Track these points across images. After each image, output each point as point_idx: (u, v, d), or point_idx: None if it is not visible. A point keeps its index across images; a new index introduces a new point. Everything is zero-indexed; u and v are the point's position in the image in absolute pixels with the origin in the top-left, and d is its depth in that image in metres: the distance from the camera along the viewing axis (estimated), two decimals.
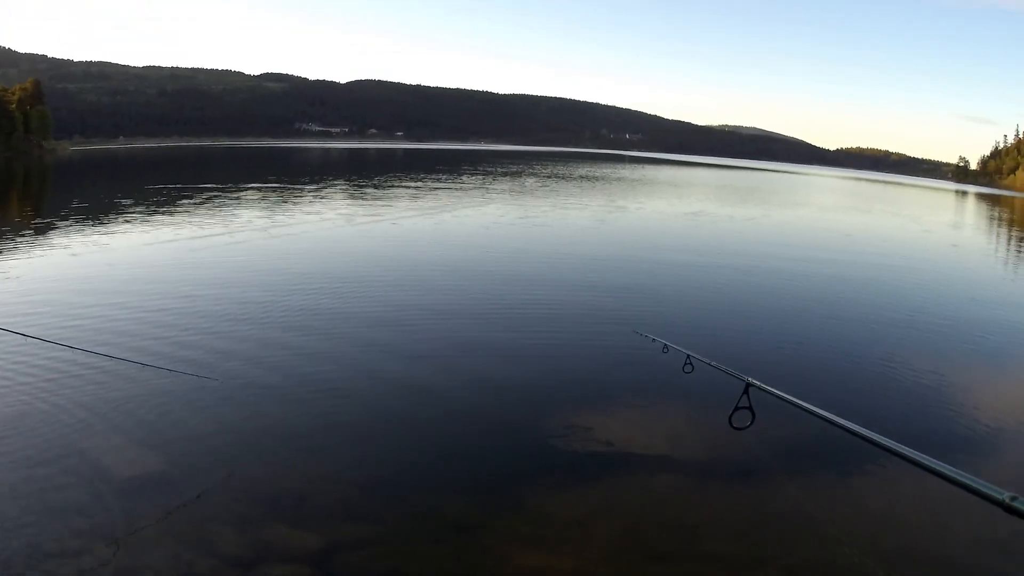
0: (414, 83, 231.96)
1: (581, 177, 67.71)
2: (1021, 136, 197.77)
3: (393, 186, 43.69)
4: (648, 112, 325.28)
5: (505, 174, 63.01)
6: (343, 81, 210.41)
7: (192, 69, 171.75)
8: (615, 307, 14.71)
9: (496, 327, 12.27)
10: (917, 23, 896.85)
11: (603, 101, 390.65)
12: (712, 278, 18.17)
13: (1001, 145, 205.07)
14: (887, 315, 15.55)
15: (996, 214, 71.84)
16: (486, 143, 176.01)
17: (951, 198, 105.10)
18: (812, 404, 2.13)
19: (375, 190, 40.60)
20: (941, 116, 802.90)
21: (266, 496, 6.11)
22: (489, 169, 68.93)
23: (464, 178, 54.70)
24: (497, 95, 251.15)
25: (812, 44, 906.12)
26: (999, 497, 1.23)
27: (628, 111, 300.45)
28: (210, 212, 26.87)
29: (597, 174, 76.08)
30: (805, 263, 22.83)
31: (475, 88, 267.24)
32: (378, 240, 22.19)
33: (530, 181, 56.25)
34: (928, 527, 5.91)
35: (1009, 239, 44.68)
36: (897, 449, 1.66)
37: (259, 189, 37.23)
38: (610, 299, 15.28)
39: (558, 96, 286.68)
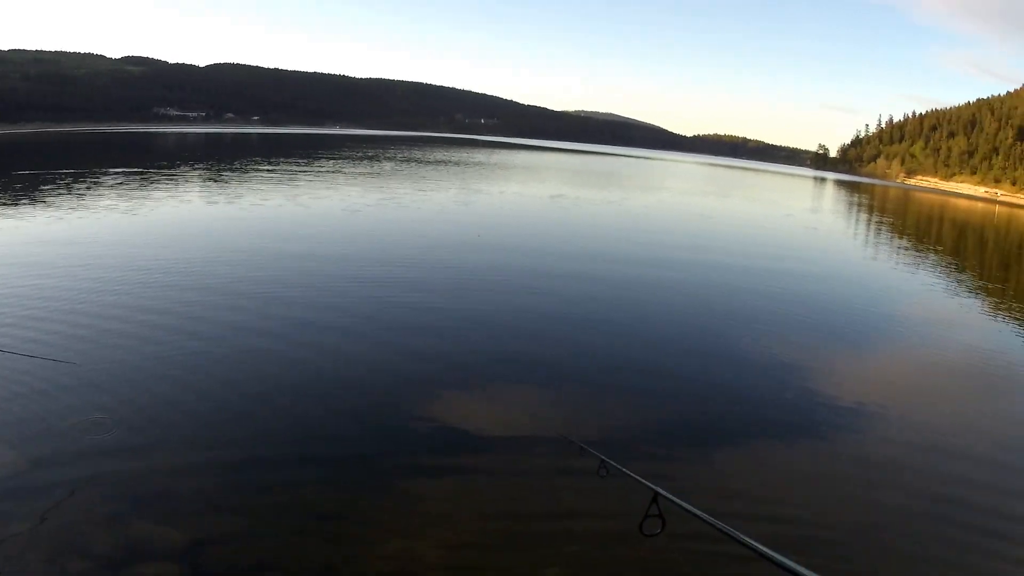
0: (271, 67, 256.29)
1: (437, 161, 75.00)
2: (883, 125, 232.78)
3: (248, 171, 47.09)
4: (504, 97, 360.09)
5: (362, 158, 69.05)
6: (202, 65, 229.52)
7: (56, 52, 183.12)
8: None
9: (360, 314, 14.09)
10: (776, 11, 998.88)
11: (458, 85, 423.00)
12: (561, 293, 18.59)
13: (863, 133, 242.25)
14: (751, 303, 19.10)
15: (857, 199, 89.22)
16: (341, 127, 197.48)
17: (810, 184, 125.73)
18: (720, 519, 2.62)
19: (231, 175, 44.07)
20: (801, 104, 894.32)
21: (131, 492, 6.97)
22: (346, 154, 75.18)
23: (321, 163, 59.76)
24: (353, 79, 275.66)
25: (669, 30, 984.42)
26: None
27: (483, 96, 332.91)
28: (69, 198, 28.16)
29: (453, 158, 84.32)
30: (665, 254, 26.53)
31: (331, 72, 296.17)
32: (235, 225, 24.65)
33: (388, 165, 62.40)
34: None
35: (871, 223, 55.23)
36: (803, 573, 1.98)
37: (120, 174, 39.39)
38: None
39: (413, 80, 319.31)
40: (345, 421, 9.13)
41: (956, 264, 35.67)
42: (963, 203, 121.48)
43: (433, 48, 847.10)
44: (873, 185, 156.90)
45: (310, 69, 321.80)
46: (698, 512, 2.88)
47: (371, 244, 22.69)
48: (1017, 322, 21.45)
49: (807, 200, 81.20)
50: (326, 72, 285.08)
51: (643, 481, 3.55)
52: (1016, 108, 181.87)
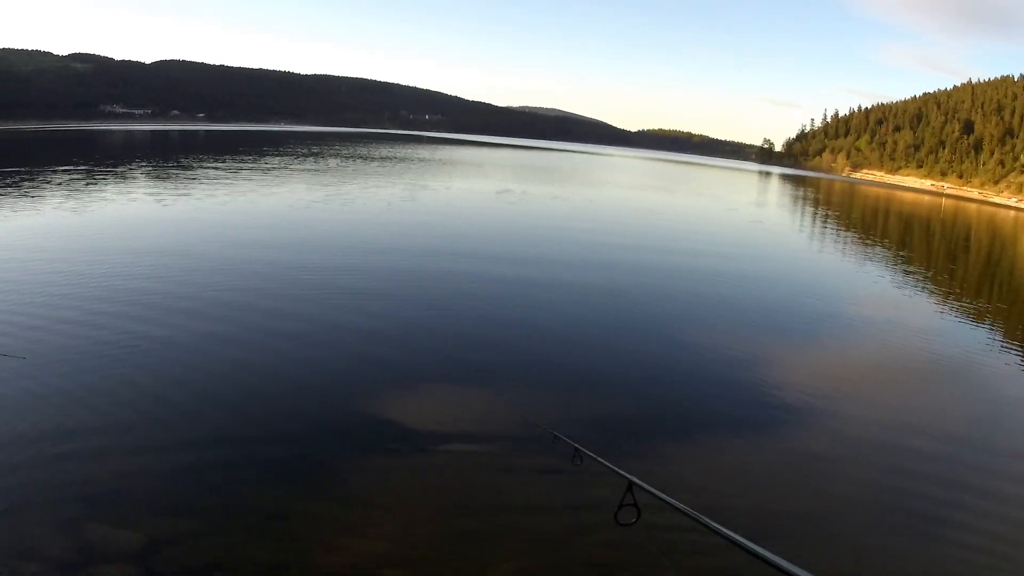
0: (217, 63, 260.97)
1: (382, 158, 76.12)
2: (828, 119, 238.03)
3: (195, 169, 46.69)
4: (449, 93, 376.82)
5: (307, 155, 69.62)
6: (148, 61, 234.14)
7: (3, 50, 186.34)
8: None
9: (313, 312, 14.23)
10: (719, 6, 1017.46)
11: (403, 82, 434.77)
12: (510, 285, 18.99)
13: (808, 128, 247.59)
14: (702, 298, 19.44)
15: (802, 193, 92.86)
16: (287, 124, 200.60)
17: (755, 179, 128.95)
18: (692, 504, 2.70)
19: (178, 172, 43.73)
20: (746, 99, 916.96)
21: (83, 495, 7.04)
22: (291, 150, 75.76)
23: (267, 160, 60.11)
24: (298, 75, 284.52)
25: (613, 25, 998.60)
26: None
27: (428, 92, 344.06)
28: (15, 197, 27.80)
29: (398, 155, 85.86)
30: (616, 250, 26.85)
31: (276, 68, 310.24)
32: (183, 223, 24.50)
33: (333, 162, 63.14)
34: None
35: (817, 217, 56.96)
36: (776, 561, 2.05)
37: (67, 173, 39.04)
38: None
39: (359, 76, 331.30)
40: (299, 420, 9.22)
41: (903, 257, 36.48)
42: (909, 196, 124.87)
43: (378, 44, 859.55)
44: (818, 179, 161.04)
45: (255, 65, 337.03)
46: (672, 501, 2.92)
47: (320, 241, 22.73)
48: (963, 314, 21.99)
49: (752, 194, 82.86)
50: (271, 68, 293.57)
51: (618, 470, 3.59)
52: (963, 102, 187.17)
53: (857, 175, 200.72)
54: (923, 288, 26.22)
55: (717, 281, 21.94)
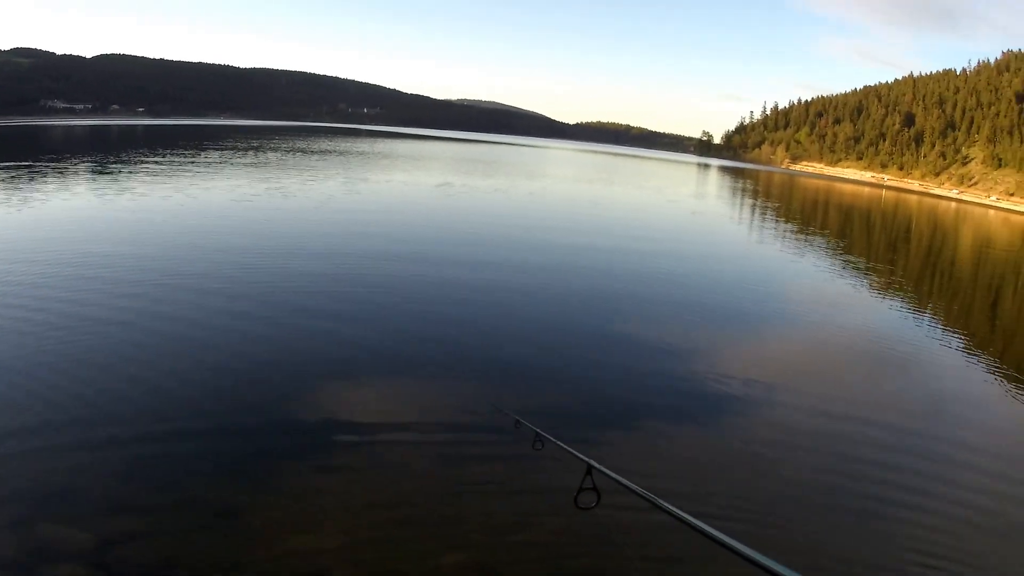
0: (157, 57, 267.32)
1: (322, 151, 77.11)
2: (768, 112, 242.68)
3: (135, 164, 46.74)
4: (387, 86, 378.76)
5: (247, 149, 70.67)
6: (89, 56, 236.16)
7: None
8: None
9: (258, 305, 14.36)
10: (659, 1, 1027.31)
11: (342, 75, 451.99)
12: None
13: (748, 121, 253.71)
14: (645, 288, 19.93)
15: (742, 185, 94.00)
16: (226, 118, 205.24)
17: (694, 171, 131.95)
18: (660, 496, 2.77)
19: (119, 167, 43.79)
20: (685, 91, 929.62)
21: (34, 493, 7.09)
22: (231, 144, 76.95)
23: (207, 154, 60.44)
24: (237, 69, 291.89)
25: (551, 16, 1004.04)
26: None
27: (367, 85, 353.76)
28: None
29: (337, 148, 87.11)
30: (558, 239, 27.47)
31: (216, 62, 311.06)
32: (123, 216, 24.38)
33: (273, 156, 63.79)
34: None
35: (757, 208, 58.85)
36: (731, 544, 2.12)
37: (8, 168, 38.63)
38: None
39: (297, 70, 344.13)
40: (251, 415, 9.30)
41: (844, 247, 37.16)
42: (849, 188, 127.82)
43: (317, 37, 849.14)
44: (758, 171, 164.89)
45: (196, 59, 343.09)
46: (630, 484, 3.02)
47: (265, 236, 22.67)
48: (904, 303, 22.49)
49: (692, 186, 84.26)
50: (211, 62, 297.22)
51: (577, 454, 3.70)
52: (904, 95, 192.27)
53: (797, 167, 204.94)
54: (864, 279, 26.61)
55: (661, 273, 22.47)
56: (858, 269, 28.76)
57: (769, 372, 13.24)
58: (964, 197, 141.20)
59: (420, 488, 7.81)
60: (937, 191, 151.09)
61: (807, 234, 41.20)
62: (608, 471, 3.29)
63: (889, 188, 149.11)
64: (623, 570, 6.80)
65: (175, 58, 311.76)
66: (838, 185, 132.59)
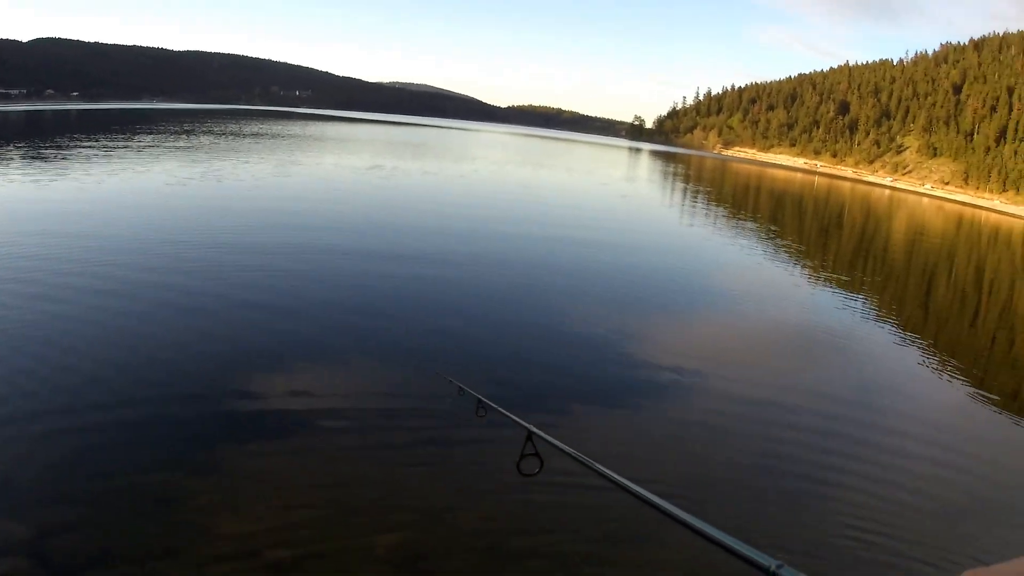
0: (92, 41, 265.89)
1: (254, 134, 77.66)
2: (701, 97, 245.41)
3: (70, 148, 45.69)
4: (319, 69, 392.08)
5: (180, 133, 70.41)
6: (25, 40, 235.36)
7: None
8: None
9: (192, 290, 14.27)
10: None
11: (274, 58, 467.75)
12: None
13: (680, 106, 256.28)
14: (575, 272, 19.95)
15: (673, 169, 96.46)
16: (159, 101, 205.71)
17: (625, 155, 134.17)
18: (592, 455, 2.89)
19: (53, 152, 42.62)
20: (618, 76, 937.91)
21: None
22: (164, 128, 76.46)
23: (140, 138, 59.61)
24: (170, 52, 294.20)
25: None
26: (766, 564, 1.63)
27: (299, 67, 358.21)
28: None
29: (269, 131, 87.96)
30: (489, 221, 27.86)
31: (151, 45, 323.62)
32: (55, 202, 23.78)
33: (206, 139, 64.00)
34: None
35: (690, 192, 58.48)
36: (667, 508, 2.19)
37: None
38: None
39: (229, 52, 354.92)
40: (183, 401, 9.28)
41: (776, 232, 37.58)
42: (782, 173, 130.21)
43: (249, 20, 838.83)
44: (689, 155, 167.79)
45: (130, 43, 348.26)
46: (569, 449, 3.11)
47: (196, 219, 22.38)
48: (837, 289, 22.66)
49: (623, 169, 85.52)
50: (145, 45, 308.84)
51: (518, 420, 3.73)
52: (839, 84, 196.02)
53: (729, 152, 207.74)
54: (796, 265, 26.92)
55: (593, 255, 22.74)
56: (791, 255, 29.02)
57: (700, 351, 13.61)
58: (898, 185, 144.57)
59: (360, 461, 8.05)
60: (871, 178, 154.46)
61: (739, 219, 41.66)
62: (548, 437, 3.28)
63: (822, 175, 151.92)
64: (564, 534, 7.12)
65: (110, 41, 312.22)
66: (770, 171, 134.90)
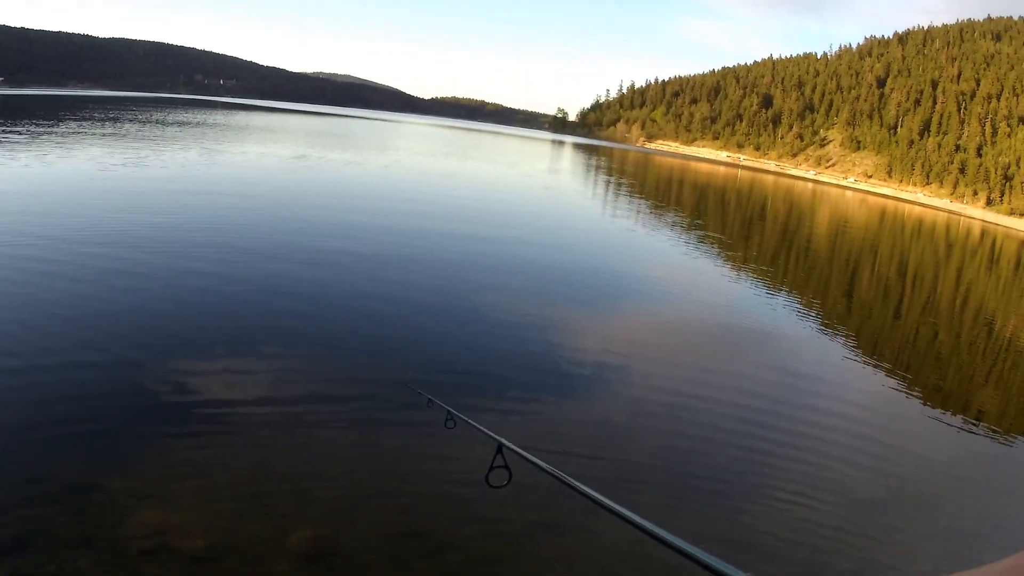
0: (17, 25, 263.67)
1: (178, 123, 76.94)
2: (624, 90, 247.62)
3: None
4: (244, 58, 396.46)
5: (104, 120, 68.84)
6: None
7: None
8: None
9: (127, 276, 14.09)
10: None
11: (199, 46, 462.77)
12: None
13: (603, 99, 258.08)
14: (503, 266, 20.01)
15: (596, 162, 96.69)
16: (84, 88, 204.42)
17: (548, 147, 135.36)
18: (565, 471, 2.90)
19: None
20: (541, 69, 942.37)
21: None
22: (89, 115, 74.81)
23: (66, 124, 58.59)
24: (96, 38, 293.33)
25: None
26: None
27: (223, 56, 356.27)
28: None
29: (193, 120, 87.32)
30: (411, 216, 26.93)
31: (77, 31, 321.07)
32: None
33: (130, 127, 63.13)
34: None
35: (612, 185, 59.00)
36: (639, 521, 2.18)
37: None
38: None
39: (154, 40, 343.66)
40: (112, 392, 9.14)
41: (699, 225, 38.09)
42: (705, 167, 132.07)
43: (173, 3, 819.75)
44: (612, 148, 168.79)
45: (55, 28, 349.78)
46: (540, 463, 3.10)
47: (128, 208, 21.73)
48: (760, 281, 22.98)
49: (546, 162, 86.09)
50: (71, 31, 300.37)
51: (488, 432, 3.76)
52: (763, 77, 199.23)
53: (652, 145, 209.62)
54: (721, 257, 27.21)
55: (516, 248, 22.60)
56: (715, 248, 29.30)
57: (637, 350, 13.72)
58: (822, 178, 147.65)
59: (328, 468, 7.92)
60: (794, 172, 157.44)
61: (662, 211, 42.15)
62: (518, 449, 3.29)
63: (745, 168, 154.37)
64: (532, 545, 7.12)
65: (37, 26, 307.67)
66: (693, 164, 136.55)
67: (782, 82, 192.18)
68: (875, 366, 14.70)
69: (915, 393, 13.31)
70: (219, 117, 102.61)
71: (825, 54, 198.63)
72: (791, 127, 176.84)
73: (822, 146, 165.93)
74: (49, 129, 51.49)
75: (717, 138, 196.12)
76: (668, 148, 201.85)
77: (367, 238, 21.15)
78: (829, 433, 10.60)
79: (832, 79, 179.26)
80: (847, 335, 17.26)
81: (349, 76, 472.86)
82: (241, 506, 6.99)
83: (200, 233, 18.94)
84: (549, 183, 53.34)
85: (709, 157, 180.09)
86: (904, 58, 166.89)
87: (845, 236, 45.17)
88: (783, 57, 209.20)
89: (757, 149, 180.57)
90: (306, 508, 7.12)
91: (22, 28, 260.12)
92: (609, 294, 18.21)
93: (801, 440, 10.23)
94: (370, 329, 12.87)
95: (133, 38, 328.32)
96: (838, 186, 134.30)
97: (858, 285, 26.09)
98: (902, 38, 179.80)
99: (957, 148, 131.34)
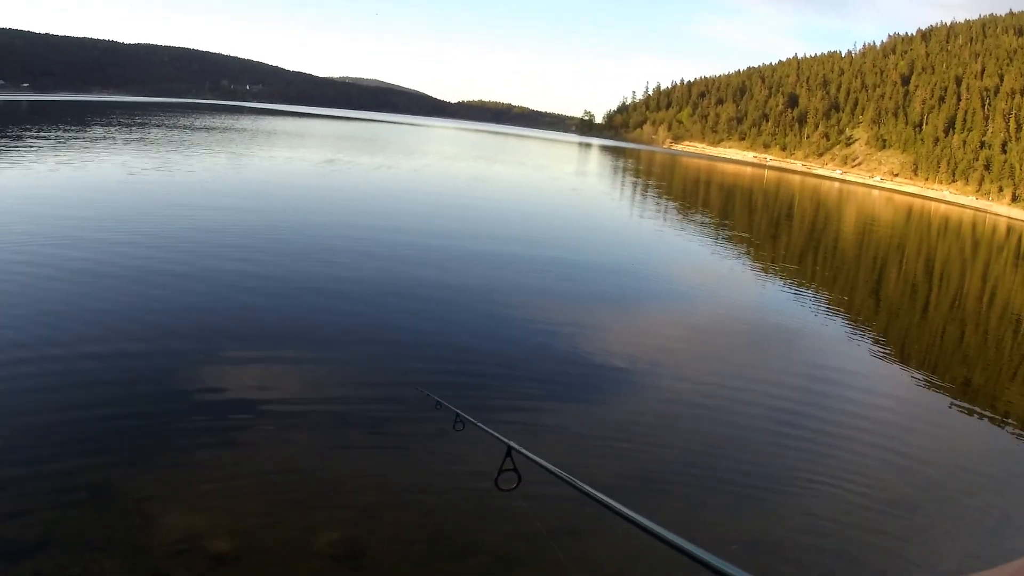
0: (43, 31, 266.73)
1: (206, 128, 77.10)
2: (650, 93, 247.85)
3: (23, 139, 44.90)
4: (269, 63, 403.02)
5: (131, 125, 69.35)
6: None
7: None
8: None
9: (154, 280, 14.19)
10: None
11: (224, 51, 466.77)
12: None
13: (630, 101, 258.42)
14: (535, 265, 20.09)
15: (623, 164, 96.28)
16: (109, 94, 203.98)
17: (575, 150, 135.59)
18: (575, 474, 2.89)
19: (6, 142, 41.83)
20: (568, 71, 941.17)
21: None
22: (116, 120, 75.68)
23: (93, 130, 59.27)
24: (121, 44, 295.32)
25: None
26: None
27: (249, 61, 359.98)
28: None
29: (220, 125, 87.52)
30: (447, 219, 27.47)
31: (102, 37, 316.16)
32: (14, 190, 23.75)
33: (157, 132, 62.55)
34: None
35: (641, 187, 58.76)
36: (652, 527, 2.20)
37: None
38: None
39: (179, 45, 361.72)
40: (138, 391, 9.21)
41: (727, 226, 37.91)
42: (731, 167, 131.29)
43: (198, 7, 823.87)
44: (639, 150, 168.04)
45: (80, 34, 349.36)
46: (548, 465, 3.12)
47: (156, 211, 22.02)
48: (789, 280, 22.97)
49: (574, 164, 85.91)
50: (96, 37, 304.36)
51: (497, 435, 3.80)
52: (788, 77, 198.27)
53: (678, 147, 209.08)
54: (745, 256, 27.21)
55: (547, 250, 22.66)
56: (741, 248, 29.26)
57: (662, 349, 13.75)
58: (848, 177, 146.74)
59: (344, 470, 7.90)
60: (820, 171, 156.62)
61: (689, 213, 41.89)
62: (527, 452, 3.33)
63: (771, 168, 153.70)
64: (542, 550, 6.92)
65: (61, 32, 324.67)
66: (720, 165, 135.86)
67: (807, 81, 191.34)
68: (902, 365, 14.63)
69: (943, 391, 13.25)
70: (246, 122, 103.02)
71: (849, 52, 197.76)
72: (817, 126, 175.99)
73: (848, 145, 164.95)
74: (75, 134, 51.52)
75: (743, 138, 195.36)
76: (695, 149, 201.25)
77: (385, 240, 21.13)
78: (856, 432, 10.55)
79: (857, 77, 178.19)
80: (874, 334, 17.15)
81: (375, 80, 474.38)
82: (263, 506, 7.03)
83: (230, 236, 19.16)
84: (576, 185, 53.16)
85: (736, 158, 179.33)
86: (928, 55, 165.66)
87: (872, 235, 44.90)
88: (807, 56, 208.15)
89: (783, 149, 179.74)
90: (328, 509, 7.17)
91: (46, 34, 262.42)
92: (632, 295, 18.14)
93: (827, 439, 10.22)
94: (380, 330, 12.90)
95: (158, 43, 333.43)
96: (864, 185, 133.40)
97: (885, 283, 25.97)
98: (925, 35, 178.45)
99: (982, 145, 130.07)
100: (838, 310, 19.24)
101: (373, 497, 7.48)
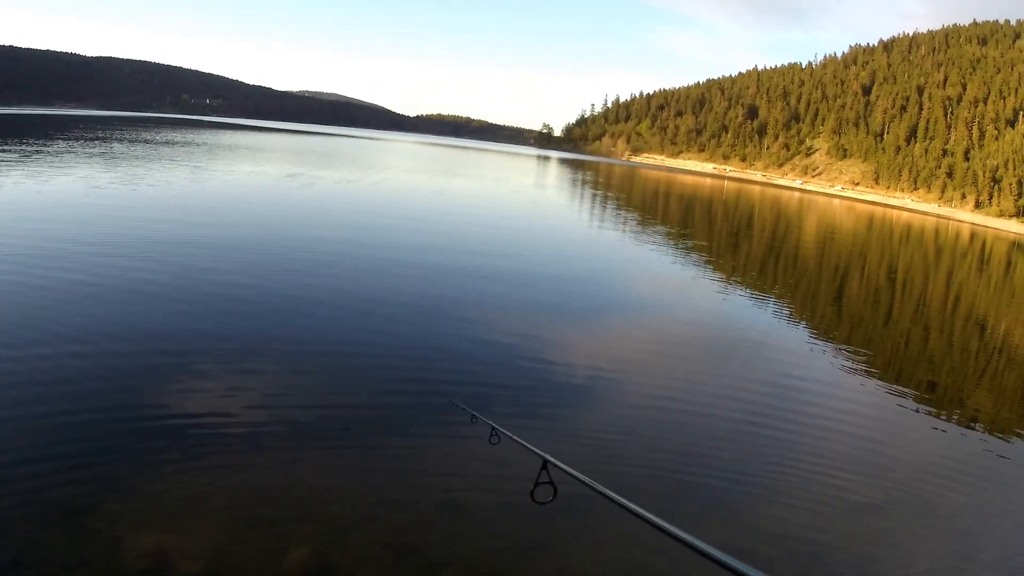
0: (7, 44, 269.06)
1: (167, 142, 77.60)
2: (609, 105, 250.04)
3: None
4: (229, 77, 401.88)
5: (93, 139, 69.94)
6: None
7: None
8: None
9: (128, 294, 14.13)
10: None
11: (184, 64, 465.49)
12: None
13: (588, 113, 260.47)
14: (496, 279, 19.87)
15: (582, 176, 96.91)
16: (71, 107, 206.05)
17: (534, 163, 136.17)
18: (610, 488, 2.96)
19: None
20: (526, 84, 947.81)
21: None
22: (78, 135, 75.59)
23: (56, 144, 59.07)
24: (83, 57, 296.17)
25: (393, 8, 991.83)
26: None
27: (210, 75, 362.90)
28: None
29: (182, 139, 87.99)
30: (410, 232, 27.11)
31: (65, 50, 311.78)
32: None
33: (119, 147, 63.03)
34: None
35: (599, 199, 59.44)
36: (690, 541, 2.28)
37: None
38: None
39: (141, 59, 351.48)
40: (90, 418, 8.94)
41: (686, 236, 38.12)
42: (691, 179, 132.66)
43: (159, 22, 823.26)
44: (598, 162, 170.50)
45: (44, 47, 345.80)
46: (585, 479, 3.14)
47: (123, 227, 21.61)
48: (750, 290, 23.08)
49: (532, 177, 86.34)
50: (60, 50, 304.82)
51: (533, 448, 3.86)
52: (748, 88, 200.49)
53: (638, 159, 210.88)
54: (707, 268, 27.17)
55: (510, 265, 22.48)
56: (701, 259, 29.44)
57: (637, 358, 13.85)
58: (808, 187, 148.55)
59: (380, 484, 7.95)
60: (781, 181, 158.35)
61: (649, 224, 42.06)
62: (564, 466, 3.37)
63: (731, 179, 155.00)
64: (580, 563, 7.03)
65: (23, 45, 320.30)
66: (680, 176, 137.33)
67: (767, 92, 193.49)
68: (868, 371, 14.70)
69: (909, 396, 13.34)
70: (206, 136, 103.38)
71: (810, 63, 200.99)
72: (777, 137, 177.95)
73: (808, 155, 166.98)
74: (38, 148, 51.63)
75: (703, 150, 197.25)
76: (654, 161, 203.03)
77: (387, 256, 21.09)
78: (825, 438, 10.73)
79: (817, 88, 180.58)
80: (838, 341, 17.31)
81: (335, 94, 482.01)
82: (277, 525, 6.99)
83: (200, 249, 19.05)
84: (536, 198, 53.44)
85: (695, 169, 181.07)
86: (890, 65, 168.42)
87: (833, 243, 45.32)
88: (768, 67, 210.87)
89: (743, 160, 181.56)
90: (368, 523, 7.22)
91: (9, 46, 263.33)
92: (594, 308, 18.08)
93: (798, 446, 10.33)
94: (412, 344, 12.87)
95: (120, 56, 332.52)
96: (825, 194, 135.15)
97: (848, 291, 26.16)
98: (887, 45, 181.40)
99: (944, 153, 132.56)
100: (801, 318, 19.49)
101: (417, 511, 7.52)
